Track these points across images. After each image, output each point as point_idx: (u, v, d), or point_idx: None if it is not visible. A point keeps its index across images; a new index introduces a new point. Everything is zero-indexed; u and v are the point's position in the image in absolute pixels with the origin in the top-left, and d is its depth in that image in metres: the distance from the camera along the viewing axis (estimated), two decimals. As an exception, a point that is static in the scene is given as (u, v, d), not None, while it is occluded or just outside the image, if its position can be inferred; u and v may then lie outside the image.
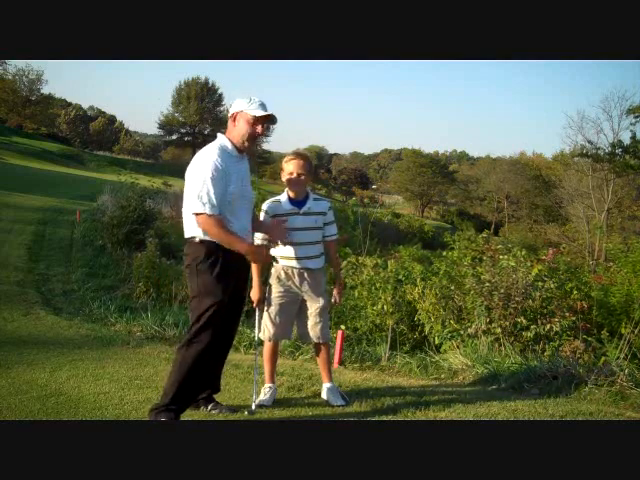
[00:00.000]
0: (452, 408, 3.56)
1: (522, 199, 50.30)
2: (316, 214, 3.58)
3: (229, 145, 3.15)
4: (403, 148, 78.40)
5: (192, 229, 3.10)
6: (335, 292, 3.78)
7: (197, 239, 3.09)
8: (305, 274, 3.58)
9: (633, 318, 5.14)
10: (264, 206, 3.60)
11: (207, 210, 2.98)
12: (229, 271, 3.12)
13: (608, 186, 29.89)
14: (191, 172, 3.08)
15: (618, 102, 29.25)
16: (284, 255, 3.57)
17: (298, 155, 3.55)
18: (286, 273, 3.58)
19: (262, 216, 3.58)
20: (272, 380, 3.69)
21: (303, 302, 3.63)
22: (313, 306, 3.61)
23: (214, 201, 2.99)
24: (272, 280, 3.62)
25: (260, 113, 3.13)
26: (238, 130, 3.16)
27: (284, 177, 3.57)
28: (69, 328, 5.52)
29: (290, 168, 3.51)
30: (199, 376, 3.16)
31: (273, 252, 3.61)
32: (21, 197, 15.81)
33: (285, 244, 3.49)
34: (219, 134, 3.24)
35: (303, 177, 3.51)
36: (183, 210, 3.16)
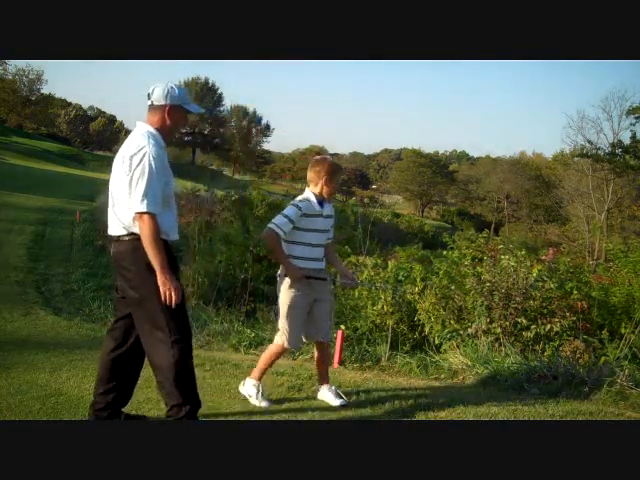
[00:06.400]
0: (452, 408, 3.56)
1: (522, 199, 50.30)
2: (331, 217, 3.68)
3: (159, 137, 2.95)
4: (403, 148, 78.32)
5: (132, 226, 2.84)
6: (346, 274, 3.97)
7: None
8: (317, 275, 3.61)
9: (633, 318, 5.14)
10: (300, 204, 3.52)
11: (152, 209, 2.76)
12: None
13: (608, 186, 29.91)
14: (127, 166, 2.82)
15: (618, 102, 29.35)
16: (303, 256, 3.52)
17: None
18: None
19: (293, 212, 3.49)
20: (259, 379, 3.63)
21: (313, 303, 3.61)
22: (322, 306, 3.63)
23: (158, 199, 2.80)
24: (287, 282, 3.52)
25: (198, 111, 3.11)
26: (174, 124, 2.99)
27: (328, 184, 3.55)
28: (69, 328, 5.51)
29: (338, 180, 3.64)
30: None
31: (287, 252, 3.52)
32: (21, 197, 15.76)
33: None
34: (142, 123, 3.00)
35: None
36: (115, 205, 2.90)
